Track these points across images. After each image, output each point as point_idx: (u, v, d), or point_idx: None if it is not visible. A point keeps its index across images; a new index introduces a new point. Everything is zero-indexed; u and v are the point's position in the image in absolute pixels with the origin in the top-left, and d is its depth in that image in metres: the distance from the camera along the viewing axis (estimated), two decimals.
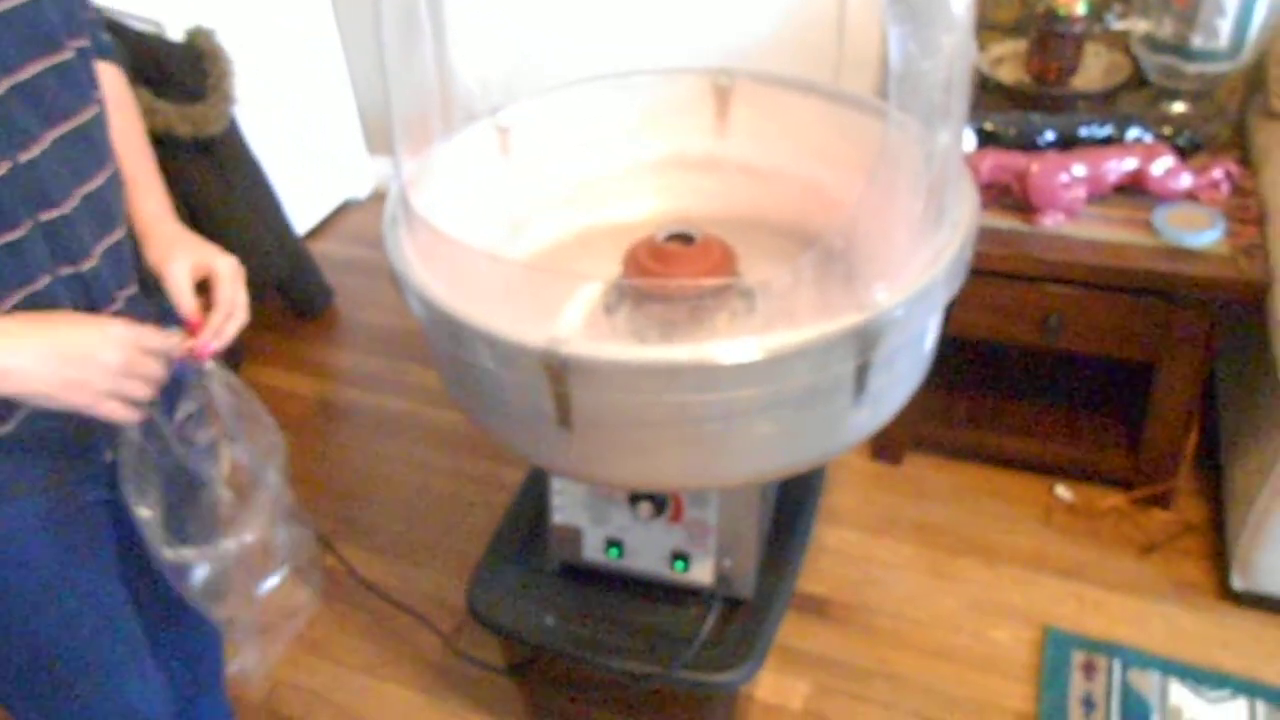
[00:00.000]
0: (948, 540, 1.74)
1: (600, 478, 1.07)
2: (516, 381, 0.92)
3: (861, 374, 0.92)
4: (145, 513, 0.88)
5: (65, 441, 0.87)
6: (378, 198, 2.78)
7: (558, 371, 0.88)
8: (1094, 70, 1.75)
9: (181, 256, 0.90)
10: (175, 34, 2.01)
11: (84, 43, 0.83)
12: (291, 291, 2.34)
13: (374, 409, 2.17)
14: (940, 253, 0.97)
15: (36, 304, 0.79)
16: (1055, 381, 1.89)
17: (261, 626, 1.05)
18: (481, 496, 1.91)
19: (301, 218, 2.58)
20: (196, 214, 2.02)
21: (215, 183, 2.05)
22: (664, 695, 1.32)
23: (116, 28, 1.91)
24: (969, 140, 1.56)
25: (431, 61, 1.12)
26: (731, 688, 1.21)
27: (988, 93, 1.77)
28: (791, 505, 1.40)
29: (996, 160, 1.51)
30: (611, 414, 0.92)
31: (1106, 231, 1.50)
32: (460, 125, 1.23)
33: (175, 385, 0.89)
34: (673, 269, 1.12)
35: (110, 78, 0.93)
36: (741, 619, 1.23)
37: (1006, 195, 1.54)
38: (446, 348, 0.96)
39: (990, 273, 1.53)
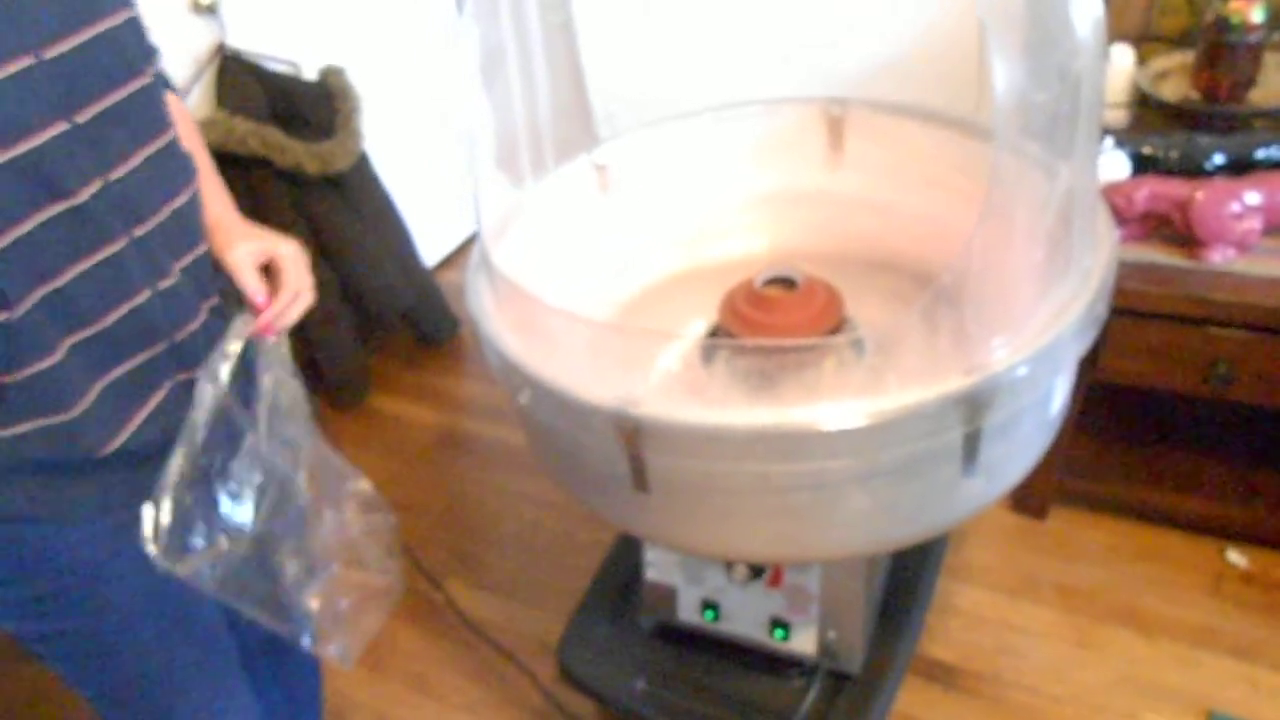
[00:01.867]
0: (1096, 607, 1.56)
1: (680, 544, 1.00)
2: (589, 443, 0.86)
3: (972, 442, 0.82)
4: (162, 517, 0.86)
5: (154, 454, 0.87)
6: None
7: (630, 434, 0.81)
8: (1274, 84, 1.55)
9: (243, 243, 0.93)
10: (311, 73, 2.07)
11: (159, 67, 0.86)
12: (418, 322, 2.37)
13: (494, 441, 2.16)
14: (1067, 306, 0.85)
15: (138, 317, 0.81)
16: (1227, 432, 1.68)
17: (348, 613, 1.03)
18: (593, 536, 1.86)
19: (433, 248, 2.62)
20: (326, 247, 2.06)
21: (344, 216, 2.09)
22: None
23: (255, 69, 1.98)
24: (1122, 166, 1.41)
25: (519, 98, 1.08)
26: None
27: (1149, 112, 1.59)
28: (911, 566, 1.28)
29: (1154, 188, 1.35)
30: (689, 479, 0.85)
31: None
32: (561, 161, 1.19)
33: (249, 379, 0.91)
34: (773, 316, 1.03)
35: (171, 100, 0.95)
36: (849, 695, 1.12)
37: (1167, 226, 1.38)
38: (520, 403, 0.91)
39: (1147, 314, 1.36)
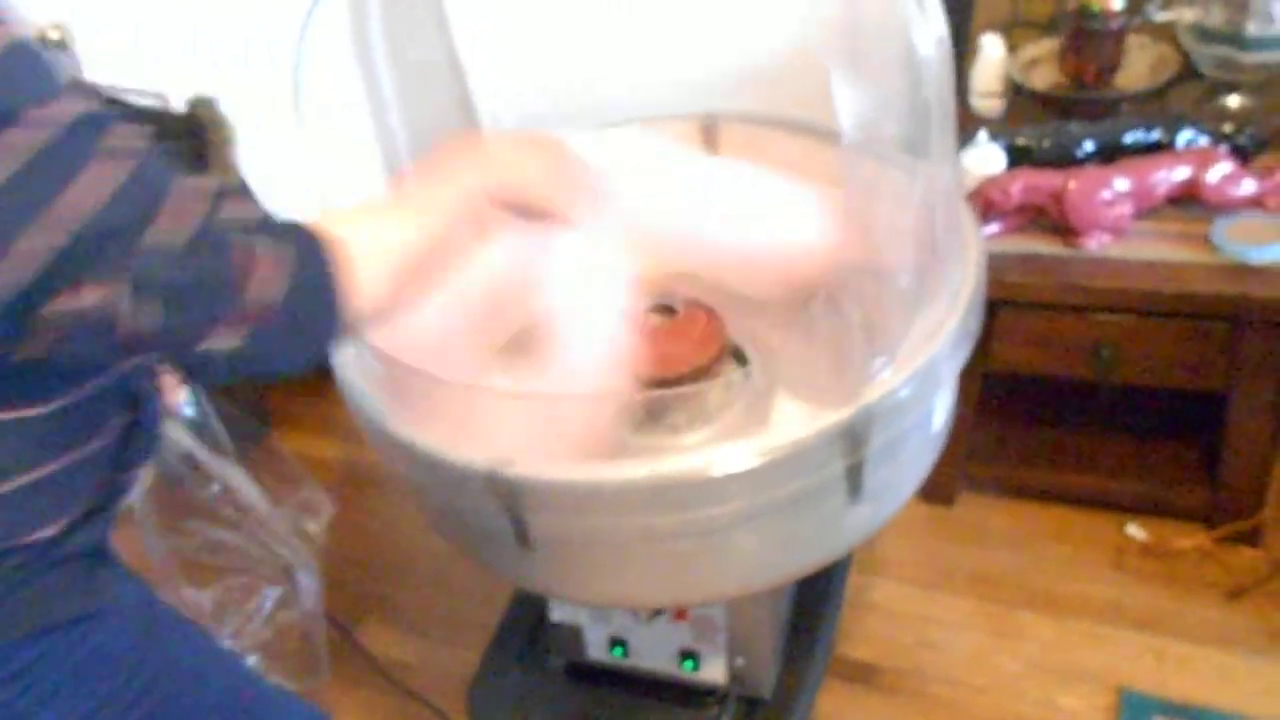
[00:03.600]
0: (1009, 592, 1.59)
1: (570, 597, 0.98)
2: (467, 504, 0.83)
3: (855, 472, 0.81)
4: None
5: None
6: None
7: (506, 495, 0.78)
8: (1139, 66, 1.58)
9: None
10: (179, 105, 1.97)
11: None
12: None
13: None
14: (941, 322, 0.84)
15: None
16: (1119, 410, 1.72)
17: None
18: None
19: None
20: None
21: None
22: None
23: (118, 104, 1.89)
24: (998, 159, 1.42)
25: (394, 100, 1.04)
26: None
27: (1022, 100, 1.61)
28: (818, 577, 1.28)
29: (1029, 180, 1.36)
30: (572, 534, 0.82)
31: (1159, 250, 1.34)
32: None
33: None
34: (655, 346, 1.01)
35: None
36: (760, 715, 1.12)
37: (1043, 217, 1.39)
38: (391, 460, 0.88)
39: (1029, 304, 1.38)
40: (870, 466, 0.81)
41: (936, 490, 1.73)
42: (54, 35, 1.81)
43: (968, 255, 0.91)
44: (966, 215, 0.94)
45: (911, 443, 0.88)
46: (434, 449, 0.79)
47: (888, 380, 0.78)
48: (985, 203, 1.38)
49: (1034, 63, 1.66)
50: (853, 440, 0.77)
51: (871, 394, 0.77)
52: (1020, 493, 1.71)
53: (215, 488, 0.94)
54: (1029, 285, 1.36)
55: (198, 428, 1.74)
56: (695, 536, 0.80)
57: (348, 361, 0.92)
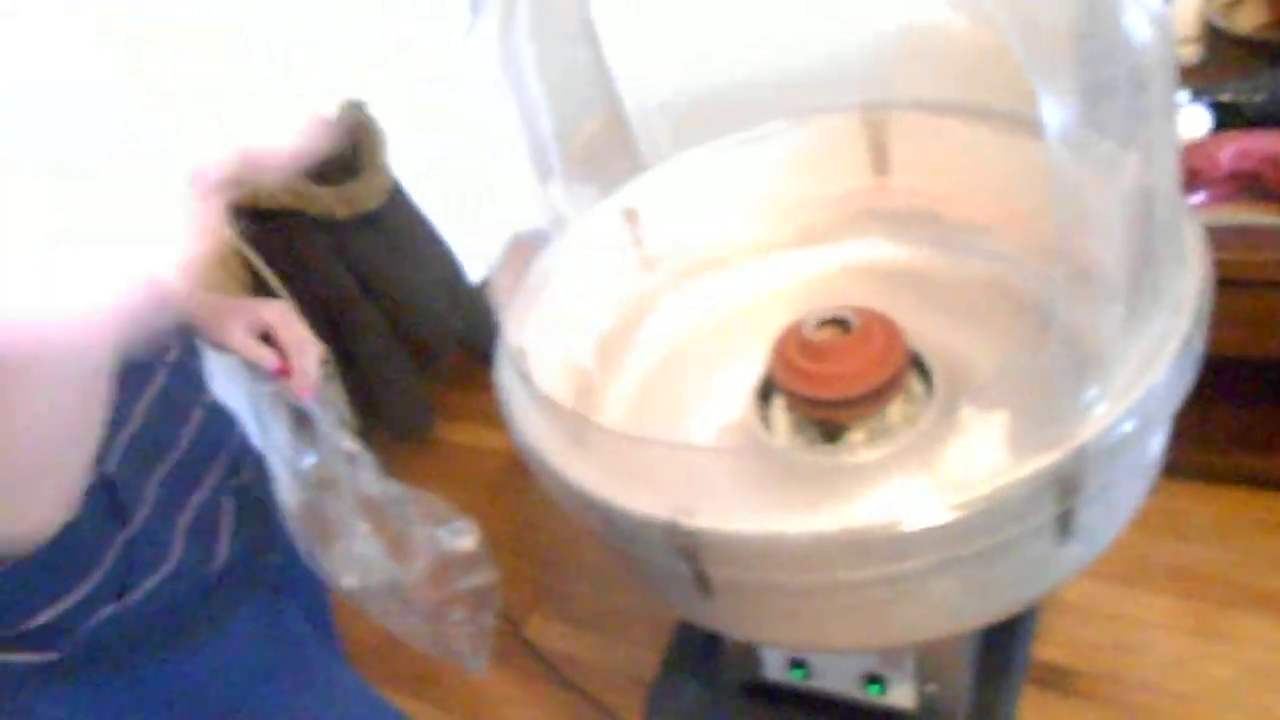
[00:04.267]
0: (1213, 589, 1.46)
1: (754, 640, 0.94)
2: (647, 553, 0.80)
3: (1066, 517, 0.73)
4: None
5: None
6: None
7: (686, 546, 0.75)
8: None
9: (232, 325, 0.94)
10: (330, 112, 2.01)
11: None
12: (472, 343, 2.32)
13: None
14: (1162, 342, 0.75)
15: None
16: None
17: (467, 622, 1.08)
18: None
19: (478, 262, 2.57)
20: (370, 286, 2.03)
21: (383, 253, 2.05)
22: None
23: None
24: (1201, 120, 1.27)
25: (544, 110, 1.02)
26: None
27: (1221, 46, 1.44)
28: None
29: (1240, 145, 1.22)
30: (756, 584, 0.78)
31: None
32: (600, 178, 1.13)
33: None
34: (828, 365, 0.95)
35: None
36: None
37: (1258, 184, 1.24)
38: (566, 506, 0.86)
39: (1242, 282, 1.24)
40: (1084, 508, 0.73)
41: None
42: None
43: (1188, 257, 0.81)
44: (1188, 220, 0.83)
45: (1126, 479, 0.80)
46: (612, 500, 0.76)
47: (1105, 414, 0.70)
48: (1189, 171, 1.25)
49: (1235, 2, 1.48)
50: (1064, 486, 0.69)
51: (1086, 434, 0.69)
52: (1226, 479, 1.57)
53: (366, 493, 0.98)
54: (1242, 262, 1.22)
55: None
56: (887, 586, 0.75)
57: (517, 401, 0.90)
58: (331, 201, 1.87)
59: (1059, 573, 0.80)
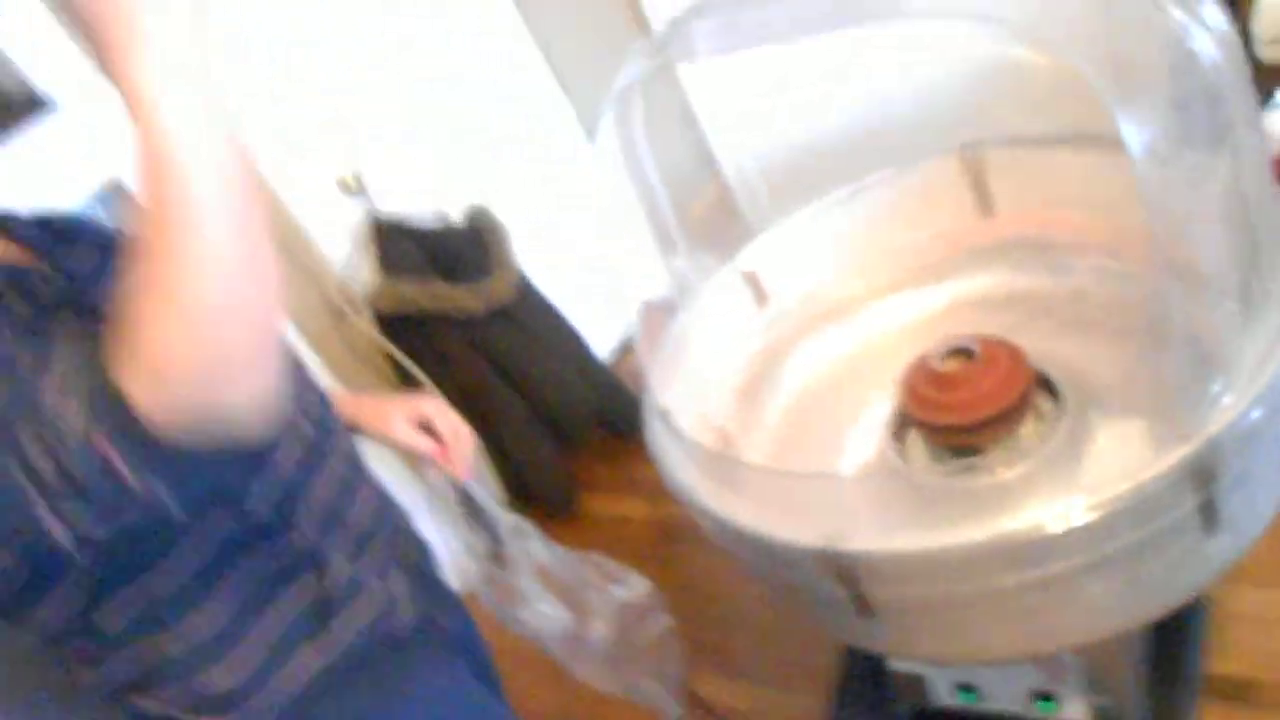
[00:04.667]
0: None
1: (917, 657, 0.98)
2: (804, 580, 0.87)
3: (1208, 507, 0.76)
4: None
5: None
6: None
7: (842, 569, 0.81)
8: None
9: (394, 419, 1.03)
10: (458, 217, 2.19)
11: None
12: (609, 417, 2.43)
13: None
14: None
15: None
16: None
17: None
18: None
19: (605, 340, 2.69)
20: (509, 375, 2.17)
21: (518, 342, 2.19)
22: None
23: (407, 229, 2.12)
24: None
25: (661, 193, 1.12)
26: None
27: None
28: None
29: None
30: (913, 600, 0.83)
31: None
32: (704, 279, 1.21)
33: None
34: (956, 394, 1.00)
35: None
36: None
37: None
38: (722, 541, 0.93)
39: None
40: (1224, 497, 0.76)
41: None
42: (351, 183, 2.06)
43: None
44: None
45: (1268, 461, 0.82)
46: (771, 533, 0.83)
47: (1231, 405, 0.73)
48: None
49: None
50: (1201, 476, 0.73)
51: (1215, 424, 0.72)
52: None
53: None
54: None
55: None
56: (1040, 590, 0.79)
57: (663, 446, 0.99)
58: (468, 299, 2.02)
59: (1210, 567, 0.82)
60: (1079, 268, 1.09)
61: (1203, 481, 0.73)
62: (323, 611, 0.86)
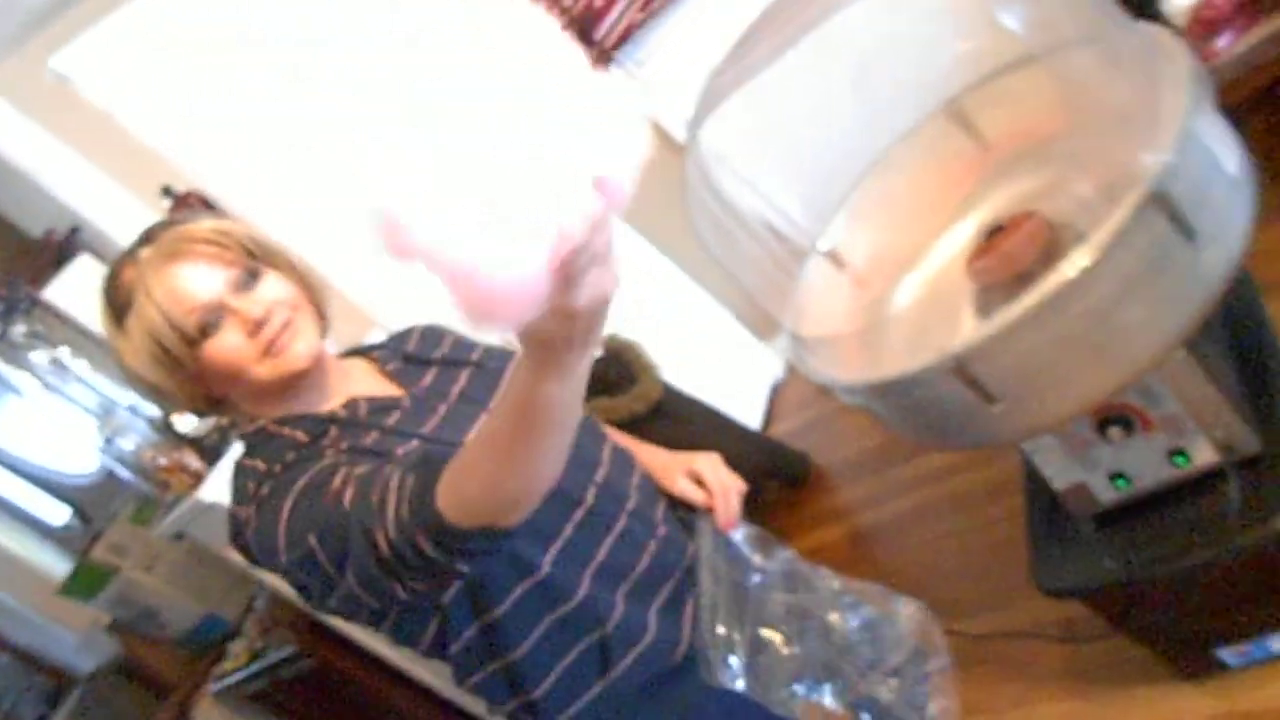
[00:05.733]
0: None
1: (1042, 428, 1.28)
2: (935, 398, 1.21)
3: (1178, 219, 1.09)
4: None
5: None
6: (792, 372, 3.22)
7: (962, 368, 1.16)
8: None
9: (676, 473, 1.22)
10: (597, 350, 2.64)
11: None
12: (779, 474, 2.78)
13: (895, 516, 2.47)
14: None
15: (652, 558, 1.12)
16: None
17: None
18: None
19: (751, 414, 3.07)
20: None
21: (679, 431, 2.58)
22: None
23: None
24: None
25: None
26: None
27: None
28: (1247, 323, 1.47)
29: None
30: (1016, 370, 1.16)
31: None
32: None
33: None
34: (1000, 252, 1.36)
35: None
36: (1267, 467, 1.31)
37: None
38: (880, 406, 1.28)
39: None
40: (1187, 211, 1.09)
41: None
42: None
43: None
44: None
45: (1216, 186, 1.14)
46: (901, 371, 1.19)
47: (1157, 155, 1.08)
48: (1203, 25, 1.60)
49: None
50: (1159, 202, 1.07)
51: (1152, 168, 1.07)
52: None
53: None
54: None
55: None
56: (1094, 324, 1.11)
57: (814, 370, 1.36)
58: (632, 405, 2.45)
59: (1214, 274, 1.13)
60: (1056, 153, 1.45)
61: (1161, 205, 1.07)
62: (605, 655, 1.05)
